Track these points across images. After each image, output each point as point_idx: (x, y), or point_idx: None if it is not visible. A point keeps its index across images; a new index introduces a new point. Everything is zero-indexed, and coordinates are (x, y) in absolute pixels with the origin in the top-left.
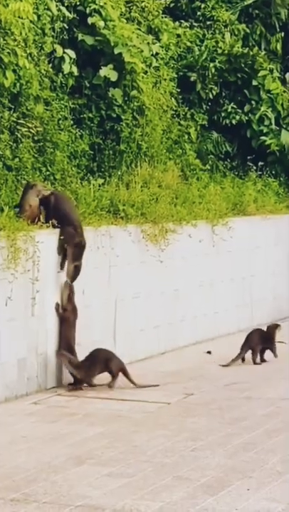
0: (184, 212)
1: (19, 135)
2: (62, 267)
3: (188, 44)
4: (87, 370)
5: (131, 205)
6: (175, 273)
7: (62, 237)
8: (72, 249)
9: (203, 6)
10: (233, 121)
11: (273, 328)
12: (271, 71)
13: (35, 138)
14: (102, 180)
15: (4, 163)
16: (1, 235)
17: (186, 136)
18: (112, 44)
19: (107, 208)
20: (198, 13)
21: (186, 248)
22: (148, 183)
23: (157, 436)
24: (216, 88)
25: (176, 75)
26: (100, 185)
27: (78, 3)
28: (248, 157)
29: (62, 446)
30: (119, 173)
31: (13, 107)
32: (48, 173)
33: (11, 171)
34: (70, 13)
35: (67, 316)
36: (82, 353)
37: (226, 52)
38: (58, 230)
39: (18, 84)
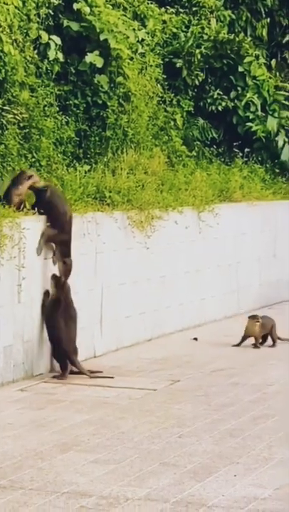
0: (170, 198)
1: (4, 121)
2: (54, 263)
3: (174, 30)
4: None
5: (117, 191)
6: (161, 260)
7: (49, 234)
8: (59, 247)
9: None
10: (219, 108)
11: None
12: (257, 57)
13: (21, 124)
14: (88, 167)
15: None
16: None
17: (172, 123)
18: (98, 30)
19: (93, 195)
20: None
21: (173, 235)
22: (134, 170)
23: (144, 423)
24: (201, 74)
25: (162, 62)
26: (86, 172)
27: None
28: (234, 143)
29: (48, 433)
30: (105, 159)
31: None
32: (33, 159)
33: None
34: None
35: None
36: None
37: (212, 38)
38: (43, 217)
39: (3, 71)
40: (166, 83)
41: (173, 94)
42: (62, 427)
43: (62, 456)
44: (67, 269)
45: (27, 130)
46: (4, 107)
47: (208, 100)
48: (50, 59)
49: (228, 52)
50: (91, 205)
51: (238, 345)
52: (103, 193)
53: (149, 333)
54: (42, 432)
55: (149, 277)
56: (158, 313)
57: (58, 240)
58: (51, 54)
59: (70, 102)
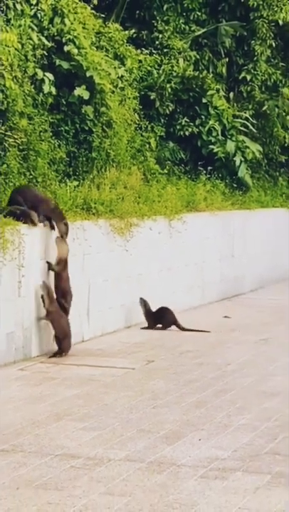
0: (145, 209)
1: (6, 145)
2: (53, 228)
3: (149, 68)
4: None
5: (101, 203)
6: (138, 260)
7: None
8: (54, 214)
9: (160, 36)
10: (187, 133)
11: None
12: (218, 91)
13: (20, 147)
14: (77, 183)
15: None
16: None
17: (147, 146)
18: (85, 68)
19: (81, 206)
20: (157, 42)
21: (148, 239)
22: (115, 185)
23: (124, 397)
24: (171, 105)
25: (138, 94)
26: (75, 187)
27: (56, 34)
28: (199, 163)
29: (44, 406)
30: (91, 176)
31: (1, 121)
32: (31, 176)
33: (0, 175)
34: (49, 42)
35: (52, 317)
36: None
37: (180, 75)
38: (41, 225)
39: (5, 102)
40: (142, 112)
41: (148, 122)
42: (55, 400)
43: (55, 424)
44: (67, 229)
45: (25, 152)
46: (6, 133)
47: (177, 127)
48: (45, 92)
49: (194, 86)
50: (79, 215)
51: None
52: (89, 205)
53: (129, 322)
54: (38, 405)
55: (128, 275)
56: (136, 305)
57: (52, 213)
58: (46, 88)
59: (62, 128)
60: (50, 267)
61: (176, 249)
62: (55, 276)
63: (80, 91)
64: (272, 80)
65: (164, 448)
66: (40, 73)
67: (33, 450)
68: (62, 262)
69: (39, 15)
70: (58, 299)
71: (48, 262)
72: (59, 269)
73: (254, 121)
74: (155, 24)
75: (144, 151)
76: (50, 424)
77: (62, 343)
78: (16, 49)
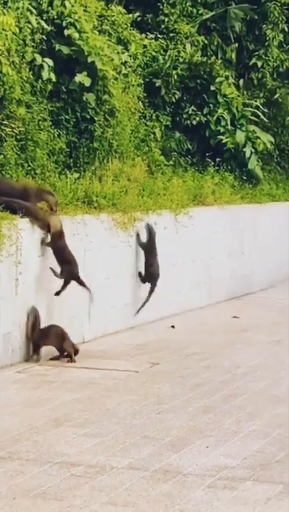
0: (150, 202)
1: (3, 135)
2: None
3: (154, 54)
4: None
5: (103, 196)
6: (142, 256)
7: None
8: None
9: (166, 19)
10: (194, 122)
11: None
12: (227, 78)
13: (18, 137)
14: (78, 175)
15: None
16: None
17: (152, 136)
18: (86, 53)
19: (82, 199)
20: (162, 26)
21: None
22: (118, 177)
23: (127, 401)
24: (178, 93)
25: (142, 81)
26: (75, 179)
27: (56, 17)
28: (207, 154)
29: (42, 410)
30: (92, 168)
31: None
32: (29, 168)
33: None
34: (49, 25)
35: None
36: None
37: (187, 61)
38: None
39: (2, 89)
40: (146, 100)
41: (152, 110)
42: (54, 405)
43: (55, 430)
44: (56, 201)
45: (23, 142)
46: (3, 122)
47: (184, 116)
48: (44, 79)
49: (202, 73)
50: (80, 209)
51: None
52: (91, 198)
53: (132, 322)
54: (37, 409)
55: (131, 272)
56: (139, 304)
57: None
58: (45, 74)
59: (62, 117)
60: (44, 242)
61: (182, 244)
62: (54, 251)
63: (81, 77)
64: (284, 67)
65: (169, 456)
66: (39, 59)
67: (31, 457)
68: (57, 234)
69: None
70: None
71: (42, 238)
72: (55, 243)
73: (265, 110)
74: (161, 7)
75: (149, 141)
76: (49, 430)
77: (64, 347)
78: (13, 33)
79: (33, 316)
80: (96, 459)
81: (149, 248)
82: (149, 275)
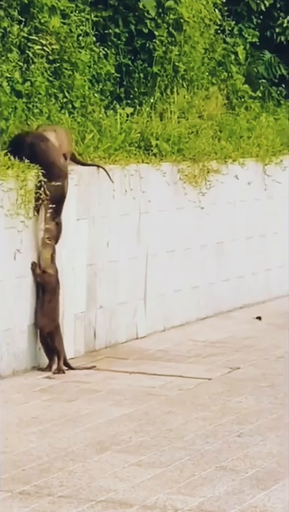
0: (229, 148)
1: (31, 54)
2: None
3: None
4: None
5: (165, 139)
6: (219, 222)
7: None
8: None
9: None
10: None
11: None
12: None
13: (50, 57)
14: (131, 110)
15: (13, 88)
16: (8, 174)
17: (233, 57)
18: None
19: (137, 143)
20: None
21: (232, 192)
22: (186, 113)
23: (196, 419)
24: None
25: None
26: (128, 116)
27: None
28: None
29: (81, 430)
30: (151, 100)
31: (23, 19)
32: (65, 100)
33: (21, 98)
34: None
35: (48, 280)
36: (105, 319)
37: None
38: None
39: None
40: (225, 8)
41: (234, 22)
42: (97, 423)
43: (97, 457)
44: (59, 232)
45: (57, 64)
46: (30, 37)
47: (277, 29)
48: None
49: None
50: (134, 156)
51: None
52: (149, 141)
53: (203, 311)
54: (73, 429)
55: (203, 244)
56: (214, 288)
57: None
58: None
59: (110, 30)
60: None
61: (273, 206)
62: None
63: None
64: None
65: (254, 494)
66: None
67: (66, 494)
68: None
69: None
70: None
71: None
72: None
73: None
74: None
75: (228, 64)
76: (89, 457)
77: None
78: None
79: (51, 248)
80: (154, 497)
81: None
82: None
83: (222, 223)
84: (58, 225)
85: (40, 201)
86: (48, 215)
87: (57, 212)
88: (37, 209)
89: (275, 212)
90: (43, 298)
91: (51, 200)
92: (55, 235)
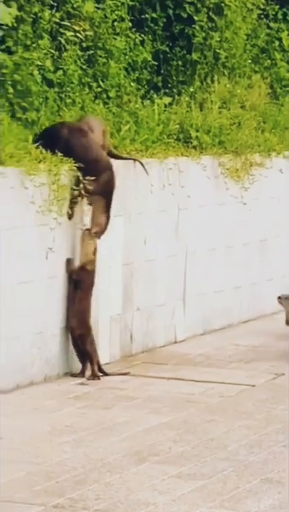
0: (273, 140)
1: (63, 41)
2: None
3: None
4: None
5: (206, 131)
6: (262, 218)
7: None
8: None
9: None
10: None
11: None
12: None
13: (84, 44)
14: (169, 100)
15: (44, 77)
16: (40, 168)
17: (277, 43)
18: None
19: (176, 135)
20: None
21: (276, 187)
22: (228, 103)
23: (239, 428)
24: None
25: None
26: (166, 106)
27: None
28: None
29: (117, 439)
30: (191, 89)
31: (55, 4)
32: (99, 89)
33: (53, 87)
34: None
35: (84, 277)
36: (142, 321)
37: None
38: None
39: None
40: None
41: (278, 6)
42: (134, 432)
43: (135, 468)
44: (106, 227)
45: (91, 52)
46: (62, 22)
47: None
48: None
49: None
50: (173, 148)
51: None
52: (188, 133)
53: (246, 313)
54: (109, 438)
55: (246, 241)
56: (257, 288)
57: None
58: None
59: (147, 15)
60: None
61: None
62: None
63: None
64: None
65: None
66: None
67: (102, 507)
68: None
69: None
70: None
71: None
72: None
73: None
74: None
75: (272, 51)
76: (127, 468)
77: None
78: None
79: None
80: (195, 511)
81: None
82: None
83: (265, 219)
84: (108, 219)
85: (79, 198)
86: (100, 208)
87: (107, 206)
88: (71, 206)
89: None
90: (74, 297)
91: (102, 194)
92: (103, 229)
